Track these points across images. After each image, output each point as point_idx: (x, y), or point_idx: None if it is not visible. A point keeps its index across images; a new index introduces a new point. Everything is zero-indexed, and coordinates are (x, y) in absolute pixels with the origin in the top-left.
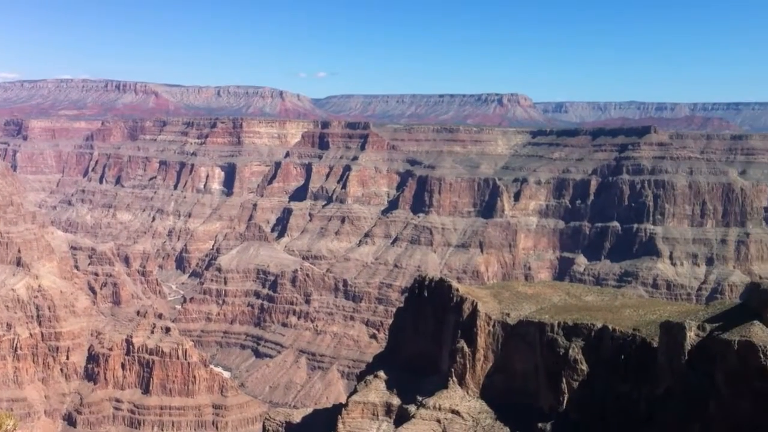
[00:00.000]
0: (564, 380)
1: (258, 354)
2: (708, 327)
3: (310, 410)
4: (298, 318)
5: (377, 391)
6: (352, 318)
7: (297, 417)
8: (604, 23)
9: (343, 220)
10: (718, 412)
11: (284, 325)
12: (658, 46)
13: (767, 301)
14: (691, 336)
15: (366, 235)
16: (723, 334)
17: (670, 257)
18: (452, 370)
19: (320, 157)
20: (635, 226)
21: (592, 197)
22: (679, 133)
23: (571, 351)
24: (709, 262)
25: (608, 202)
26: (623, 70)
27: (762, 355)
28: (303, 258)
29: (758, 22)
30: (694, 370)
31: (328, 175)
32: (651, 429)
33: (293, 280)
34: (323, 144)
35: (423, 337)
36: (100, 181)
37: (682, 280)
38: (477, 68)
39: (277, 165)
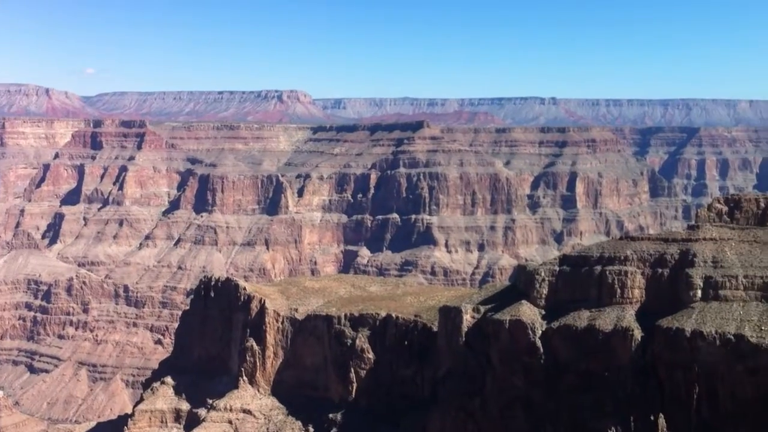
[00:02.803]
0: (352, 370)
1: (33, 369)
2: (482, 309)
3: (93, 424)
4: (76, 328)
5: (165, 397)
6: (134, 324)
7: None
8: (376, 21)
9: (121, 223)
10: (494, 388)
11: (61, 337)
12: (428, 43)
13: (533, 281)
14: (467, 318)
15: (147, 237)
16: (495, 314)
17: (446, 245)
18: (242, 369)
19: (93, 158)
20: (413, 217)
21: (372, 191)
22: (449, 128)
23: (357, 341)
24: (481, 247)
25: (387, 194)
26: (397, 67)
27: (530, 332)
28: (79, 265)
29: (512, 20)
30: (471, 350)
31: (102, 177)
32: (434, 409)
33: (69, 289)
34: (96, 144)
35: (211, 338)
36: None
37: (457, 266)
38: (256, 65)
39: (46, 167)
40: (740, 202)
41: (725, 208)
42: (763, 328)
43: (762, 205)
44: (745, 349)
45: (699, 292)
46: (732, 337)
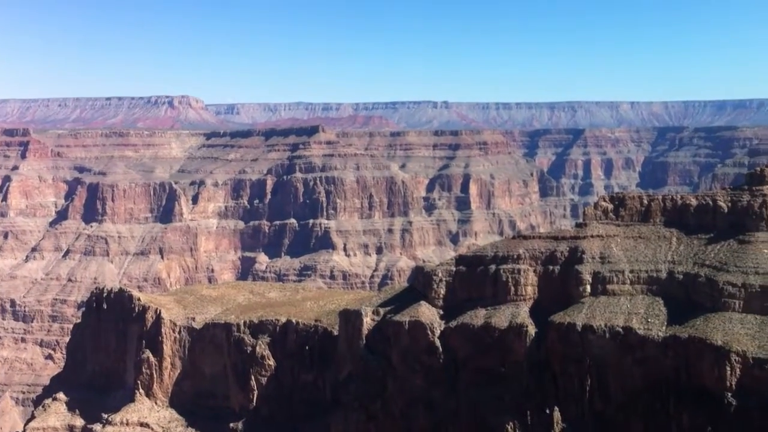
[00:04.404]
0: (253, 377)
1: None
2: (382, 311)
3: None
4: None
5: (58, 414)
6: (23, 340)
7: None
8: (268, 26)
9: (6, 236)
10: (396, 389)
11: None
12: (321, 48)
13: (430, 282)
14: (367, 321)
15: (33, 249)
16: (395, 316)
17: (345, 249)
18: (138, 382)
19: None
20: (311, 221)
21: (269, 196)
22: (345, 132)
23: (257, 348)
24: (379, 250)
25: (284, 200)
26: (291, 71)
27: (429, 332)
28: None
29: (403, 25)
30: (372, 352)
31: None
32: (336, 412)
33: None
34: None
35: (105, 352)
36: None
37: (356, 269)
38: (145, 70)
39: None
40: (624, 200)
41: (610, 206)
42: (649, 320)
43: (645, 202)
44: (633, 341)
45: (588, 288)
46: (620, 330)
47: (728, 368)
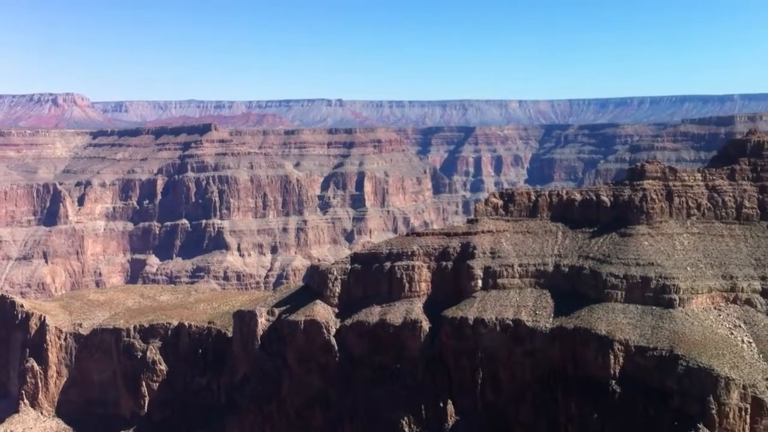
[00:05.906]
0: (144, 383)
1: None
2: (277, 311)
3: None
4: None
5: None
6: None
7: None
8: (158, 22)
9: None
10: (291, 389)
11: None
12: (213, 45)
13: (326, 280)
14: (262, 321)
15: None
16: (290, 316)
17: (238, 249)
18: (23, 392)
19: None
20: (204, 222)
21: (159, 196)
22: (238, 130)
23: (148, 353)
24: (274, 250)
25: (176, 200)
26: (182, 68)
27: (325, 331)
28: None
29: (296, 22)
30: (267, 353)
31: None
32: (231, 416)
33: None
34: None
35: None
36: None
37: (251, 269)
38: (27, 66)
39: None
40: (513, 196)
41: (500, 202)
42: (537, 312)
43: (533, 198)
44: (523, 333)
45: (480, 282)
46: (510, 323)
47: (612, 357)
